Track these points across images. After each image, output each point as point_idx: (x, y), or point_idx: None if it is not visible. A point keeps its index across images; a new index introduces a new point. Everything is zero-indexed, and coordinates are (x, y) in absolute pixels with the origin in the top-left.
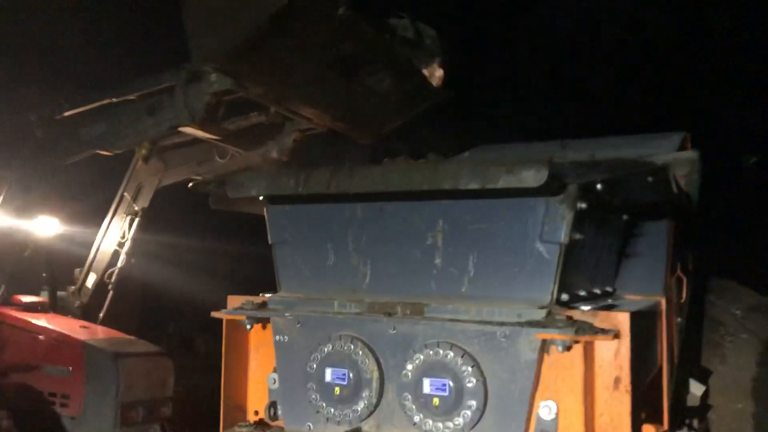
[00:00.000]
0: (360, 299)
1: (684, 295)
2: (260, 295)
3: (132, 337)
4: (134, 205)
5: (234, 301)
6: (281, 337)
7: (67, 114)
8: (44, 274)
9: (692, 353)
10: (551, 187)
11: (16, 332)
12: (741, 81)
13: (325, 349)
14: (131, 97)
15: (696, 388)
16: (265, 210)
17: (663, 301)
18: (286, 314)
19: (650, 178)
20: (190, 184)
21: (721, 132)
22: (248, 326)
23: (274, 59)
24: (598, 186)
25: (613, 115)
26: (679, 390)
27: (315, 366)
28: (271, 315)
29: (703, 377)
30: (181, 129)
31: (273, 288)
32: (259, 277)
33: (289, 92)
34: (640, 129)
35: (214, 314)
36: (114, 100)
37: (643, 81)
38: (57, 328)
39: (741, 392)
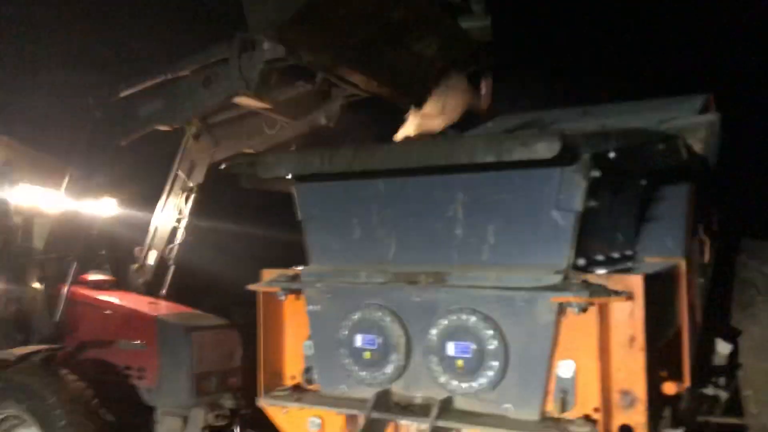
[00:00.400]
0: (385, 270)
1: (707, 257)
2: (292, 267)
3: (199, 311)
4: (189, 182)
5: (268, 274)
6: (314, 307)
7: (124, 94)
8: (102, 252)
9: (721, 313)
10: (564, 158)
11: (90, 310)
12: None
13: (355, 317)
14: (186, 72)
15: (722, 347)
16: (293, 188)
17: (682, 263)
18: (318, 285)
19: (661, 146)
20: (222, 165)
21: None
22: (282, 297)
23: (326, 27)
24: (611, 155)
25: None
26: (706, 349)
27: (346, 333)
28: (304, 286)
29: (733, 337)
30: (236, 99)
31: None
32: (289, 257)
33: (339, 58)
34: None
35: (251, 287)
36: (169, 76)
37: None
38: (128, 305)
39: None
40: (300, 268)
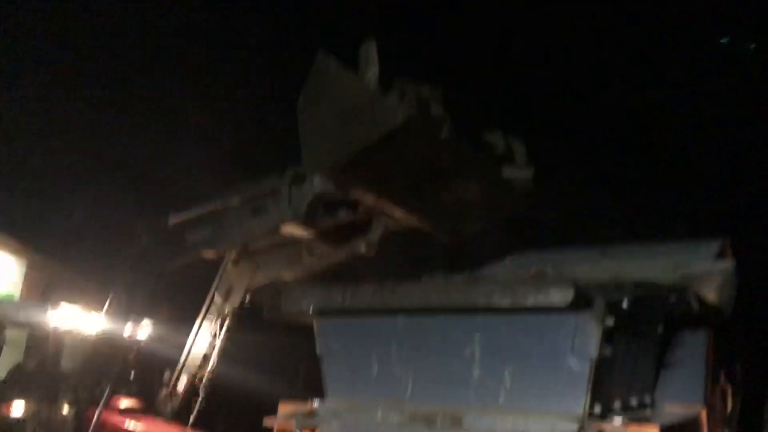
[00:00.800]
0: (402, 409)
1: (730, 405)
2: (309, 401)
3: None
4: (225, 307)
5: (284, 408)
6: None
7: (173, 222)
8: (132, 375)
9: None
10: (579, 305)
11: None
12: None
13: None
14: (236, 202)
15: None
16: (314, 322)
17: (703, 412)
18: (333, 423)
19: (673, 298)
20: (248, 299)
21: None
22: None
23: (377, 170)
24: (624, 304)
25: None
26: None
27: None
28: (319, 423)
29: None
30: (283, 228)
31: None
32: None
33: (384, 197)
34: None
35: (267, 422)
36: (219, 205)
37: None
38: None
39: None
40: (317, 402)
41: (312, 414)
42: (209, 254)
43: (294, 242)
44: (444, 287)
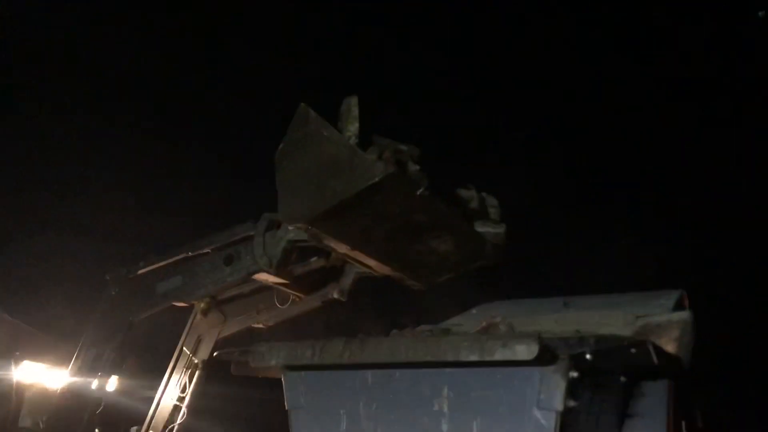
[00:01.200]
0: None
1: None
2: None
3: None
4: (194, 358)
5: None
6: None
7: (142, 272)
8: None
9: None
10: (544, 359)
11: None
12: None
13: None
14: (207, 250)
15: None
16: (282, 376)
17: None
18: None
19: (633, 350)
20: (215, 353)
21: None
22: None
23: (352, 223)
24: (588, 356)
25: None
26: None
27: None
28: None
29: None
30: (256, 276)
31: None
32: None
33: (359, 247)
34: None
35: None
36: (190, 254)
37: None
38: None
39: None
40: None
41: None
42: (180, 304)
43: (265, 289)
44: (412, 342)
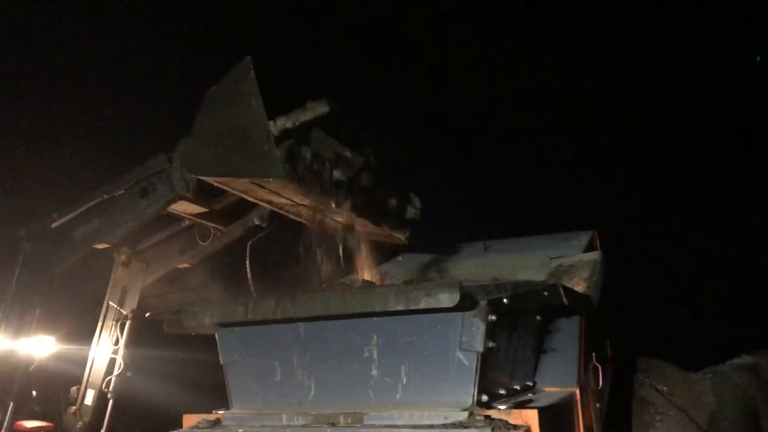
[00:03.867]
0: (306, 411)
1: (600, 382)
2: (213, 412)
3: None
4: (122, 310)
5: (189, 420)
6: None
7: (57, 224)
8: (34, 393)
9: None
10: (465, 305)
11: None
12: None
13: None
14: (122, 190)
15: None
16: (216, 333)
17: (577, 392)
18: (239, 431)
19: (546, 293)
20: (147, 314)
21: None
22: None
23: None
24: (504, 300)
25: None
26: None
27: None
28: None
29: None
30: (174, 207)
31: None
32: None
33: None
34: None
35: None
36: (105, 196)
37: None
38: None
39: None
40: (221, 412)
41: (217, 424)
42: (102, 246)
43: (184, 230)
44: (342, 295)
